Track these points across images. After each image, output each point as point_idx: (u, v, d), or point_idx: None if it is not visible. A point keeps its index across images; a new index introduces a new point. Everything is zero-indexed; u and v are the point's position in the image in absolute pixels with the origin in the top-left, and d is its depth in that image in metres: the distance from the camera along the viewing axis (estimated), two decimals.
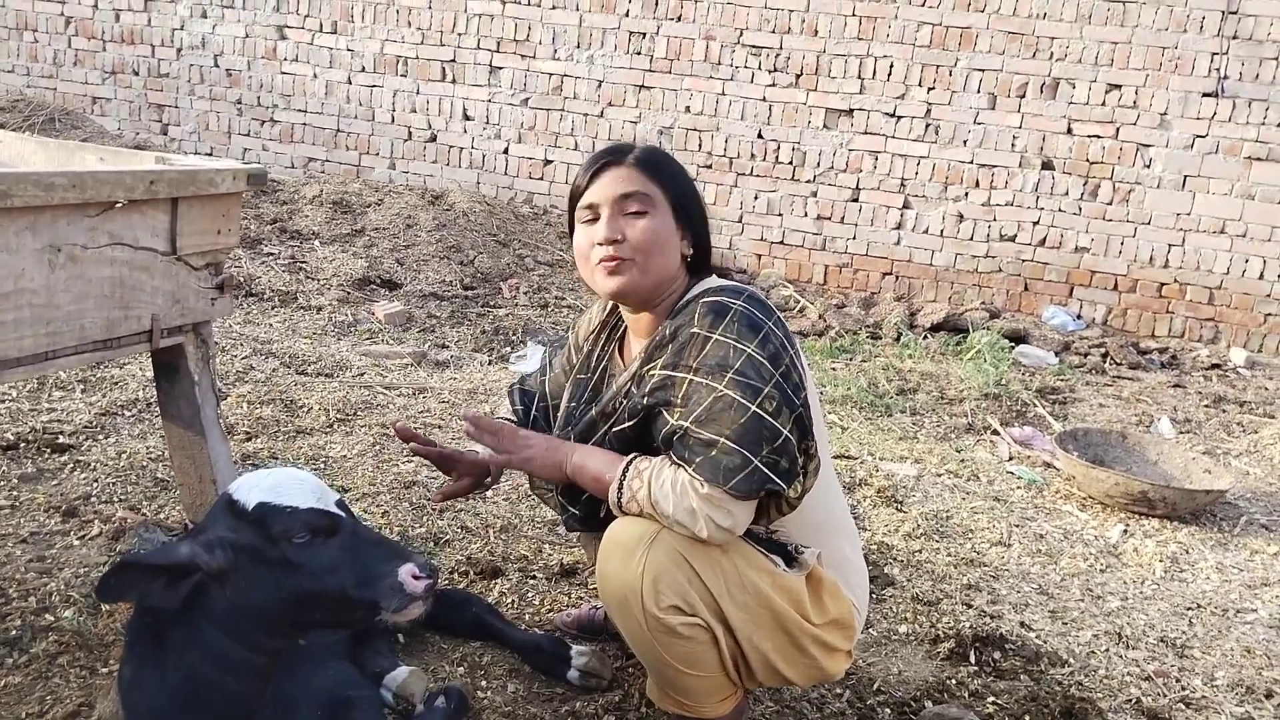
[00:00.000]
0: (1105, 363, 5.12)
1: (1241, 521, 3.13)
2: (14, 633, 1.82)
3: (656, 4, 6.12)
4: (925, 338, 5.16)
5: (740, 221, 6.24)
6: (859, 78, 5.92)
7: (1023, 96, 5.73)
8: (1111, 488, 3.08)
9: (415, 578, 1.36)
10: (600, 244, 1.59)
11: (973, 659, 2.12)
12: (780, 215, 6.19)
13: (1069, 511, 3.09)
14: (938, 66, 5.81)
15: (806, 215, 6.15)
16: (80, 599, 1.94)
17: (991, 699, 1.98)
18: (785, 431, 1.43)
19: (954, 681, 2.03)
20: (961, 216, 5.92)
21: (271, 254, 4.91)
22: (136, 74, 7.11)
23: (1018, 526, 2.91)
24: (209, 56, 6.96)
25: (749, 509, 1.47)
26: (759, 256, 6.26)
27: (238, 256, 4.71)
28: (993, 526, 2.87)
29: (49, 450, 2.64)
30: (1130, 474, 3.16)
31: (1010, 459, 3.56)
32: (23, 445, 2.64)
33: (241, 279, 4.49)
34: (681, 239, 1.64)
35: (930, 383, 4.24)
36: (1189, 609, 2.50)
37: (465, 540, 2.44)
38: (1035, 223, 5.84)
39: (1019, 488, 3.25)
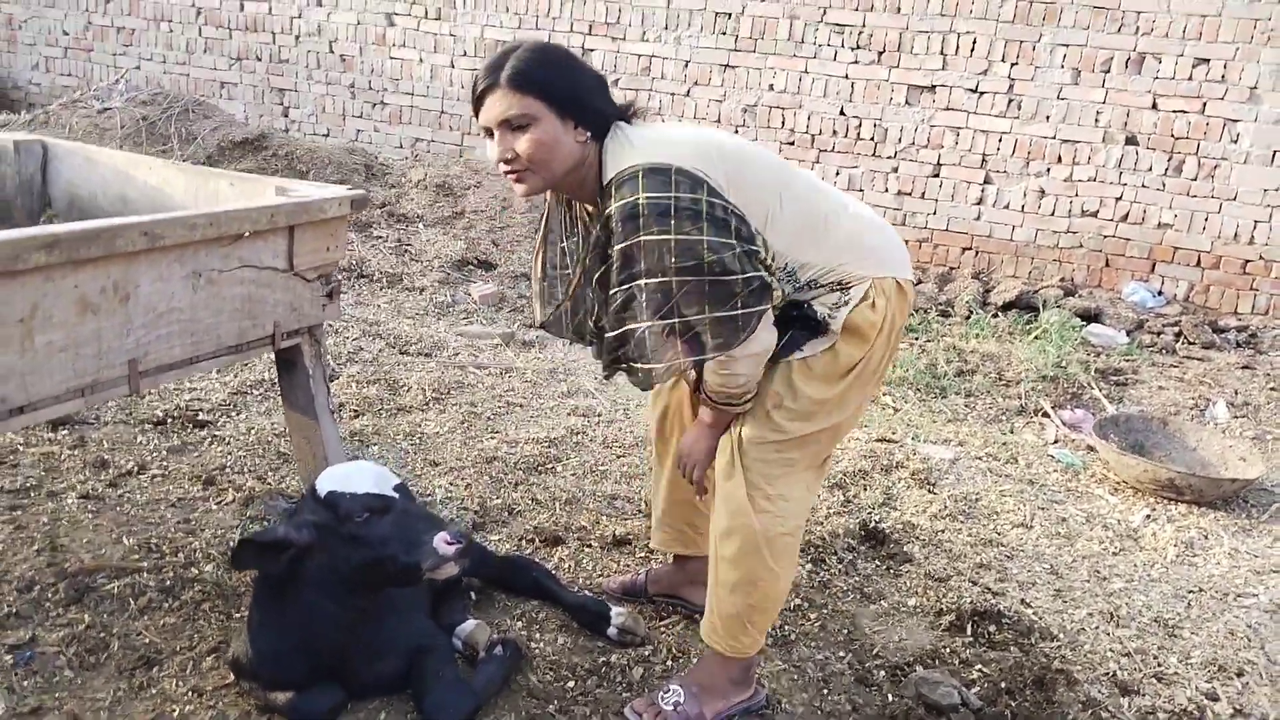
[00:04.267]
0: (1177, 342, 5.18)
1: (1272, 508, 3.27)
2: (168, 582, 2.28)
3: None
4: (996, 316, 5.31)
5: None
6: (941, 54, 6.01)
7: (1107, 71, 5.73)
8: (1141, 474, 3.26)
9: (447, 543, 1.74)
10: (498, 161, 1.82)
11: (969, 631, 2.40)
12: (861, 190, 6.35)
13: (1100, 495, 3.30)
14: (1021, 42, 5.85)
15: (888, 191, 6.29)
16: (218, 556, 2.40)
17: (979, 667, 2.26)
18: (739, 271, 1.73)
19: (948, 650, 2.32)
20: (1043, 192, 5.98)
21: (380, 237, 5.37)
22: (259, 60, 7.68)
23: (1043, 509, 3.13)
24: (324, 43, 7.47)
25: (763, 331, 1.80)
26: None
27: (350, 240, 5.18)
28: (1018, 509, 3.11)
29: (191, 425, 3.14)
30: (1157, 461, 3.34)
31: (1055, 442, 3.75)
32: (169, 421, 3.14)
33: (354, 262, 4.96)
34: (574, 129, 1.80)
35: (990, 364, 4.43)
36: (1190, 592, 2.71)
37: (535, 511, 2.82)
38: (1118, 198, 5.86)
39: (1056, 471, 3.46)
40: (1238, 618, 2.59)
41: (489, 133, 1.81)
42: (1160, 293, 5.85)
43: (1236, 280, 5.73)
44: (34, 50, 8.42)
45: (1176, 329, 5.31)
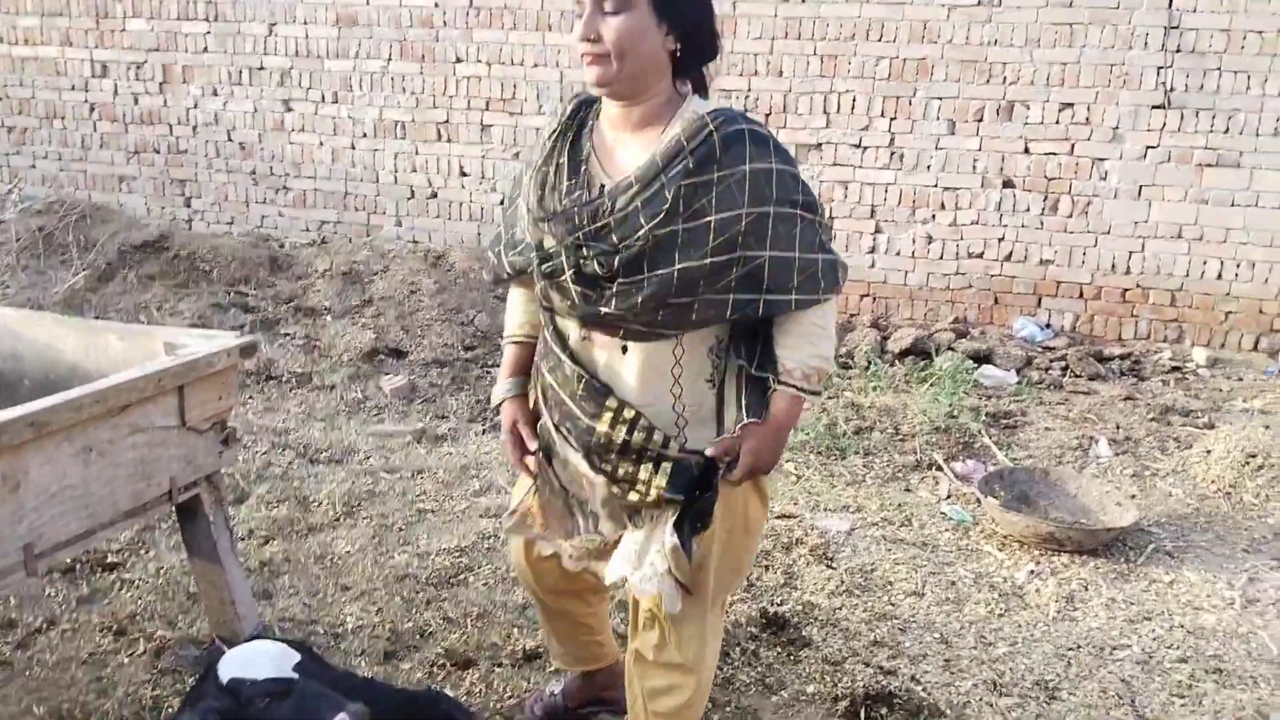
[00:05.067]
0: (1064, 376, 5.45)
1: (1148, 550, 3.49)
2: None
3: None
4: (893, 364, 5.53)
5: None
6: (825, 113, 6.26)
7: (980, 120, 6.03)
8: (1024, 529, 3.46)
9: None
10: (580, 40, 1.75)
11: (862, 716, 2.54)
12: None
13: (988, 552, 3.48)
14: (898, 98, 6.13)
15: None
16: (130, 717, 2.44)
17: None
18: (826, 219, 1.86)
19: None
20: (930, 238, 6.25)
21: (288, 334, 5.41)
22: (158, 152, 7.65)
23: (934, 574, 3.31)
24: (222, 132, 7.47)
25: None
26: None
27: (258, 340, 5.20)
28: (911, 577, 3.28)
29: (100, 569, 3.15)
30: (1040, 513, 3.55)
31: (948, 497, 3.94)
32: (78, 567, 3.15)
33: (262, 364, 4.98)
34: (665, 34, 1.74)
35: (886, 419, 4.62)
36: (1070, 650, 2.89)
37: (446, 631, 2.90)
38: (1000, 239, 6.15)
39: (948, 530, 3.64)
40: (1112, 673, 2.78)
41: (579, 10, 1.75)
42: (1048, 325, 6.14)
43: (1118, 309, 6.04)
44: None
45: (1063, 363, 5.58)
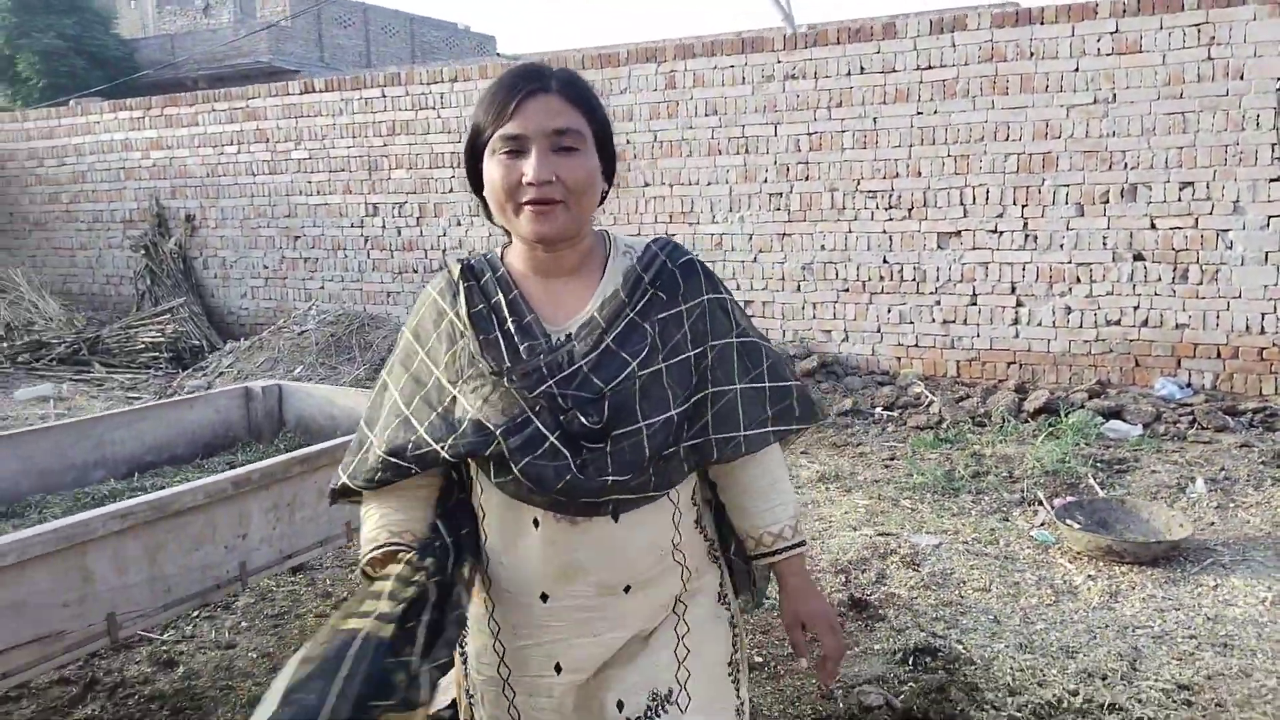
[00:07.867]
0: (1190, 429, 5.92)
1: (1206, 563, 4.08)
2: None
3: (788, 169, 7.65)
4: (1027, 421, 6.20)
5: (879, 331, 7.53)
6: (961, 205, 7.12)
7: (1106, 202, 6.70)
8: (1087, 544, 4.16)
9: None
10: (530, 183, 1.43)
11: (910, 662, 3.39)
12: (912, 323, 7.41)
13: (1059, 564, 4.19)
14: (1028, 187, 6.91)
15: (934, 321, 7.34)
16: None
17: (910, 684, 3.25)
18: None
19: (892, 675, 3.32)
20: (1069, 309, 6.90)
21: None
22: (416, 272, 9.50)
23: (1002, 577, 4.07)
24: (464, 253, 9.20)
25: None
26: (899, 359, 7.49)
27: None
28: (982, 579, 4.05)
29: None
30: (1097, 532, 4.23)
31: (1041, 524, 4.65)
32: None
33: None
34: (600, 173, 1.52)
35: (1003, 465, 5.35)
36: (1099, 627, 3.60)
37: None
38: (1135, 307, 6.71)
39: (1030, 549, 4.37)
40: (1126, 643, 3.47)
41: (514, 147, 1.44)
42: (1188, 385, 6.59)
43: (1256, 366, 6.43)
44: (242, 283, 10.57)
45: (1191, 417, 6.05)
